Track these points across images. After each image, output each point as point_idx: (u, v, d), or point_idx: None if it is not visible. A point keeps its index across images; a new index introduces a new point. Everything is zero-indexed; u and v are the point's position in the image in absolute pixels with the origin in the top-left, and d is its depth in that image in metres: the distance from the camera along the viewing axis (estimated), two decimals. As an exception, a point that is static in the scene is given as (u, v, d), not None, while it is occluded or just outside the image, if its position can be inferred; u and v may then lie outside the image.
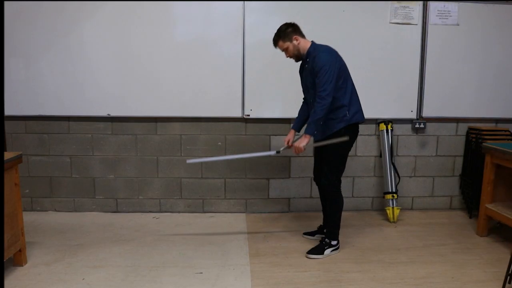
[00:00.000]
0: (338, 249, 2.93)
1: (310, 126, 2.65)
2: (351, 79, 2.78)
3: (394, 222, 3.53)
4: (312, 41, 2.78)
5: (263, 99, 3.56)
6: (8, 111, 3.44)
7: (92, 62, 3.45)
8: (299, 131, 3.01)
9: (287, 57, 2.84)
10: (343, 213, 3.74)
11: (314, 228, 3.24)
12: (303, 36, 2.78)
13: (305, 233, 3.20)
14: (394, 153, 3.72)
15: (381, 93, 3.60)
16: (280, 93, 3.55)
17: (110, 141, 3.63)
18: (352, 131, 2.77)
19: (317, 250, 2.88)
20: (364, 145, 3.75)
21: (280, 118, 3.63)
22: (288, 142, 2.96)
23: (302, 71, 2.88)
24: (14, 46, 3.39)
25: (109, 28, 3.41)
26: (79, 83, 3.47)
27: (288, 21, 3.43)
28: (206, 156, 3.65)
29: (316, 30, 3.48)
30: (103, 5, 3.37)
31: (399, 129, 3.72)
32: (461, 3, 3.52)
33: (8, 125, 3.56)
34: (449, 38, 3.56)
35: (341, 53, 3.49)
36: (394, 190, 3.58)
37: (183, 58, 3.47)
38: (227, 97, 3.54)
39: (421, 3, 3.51)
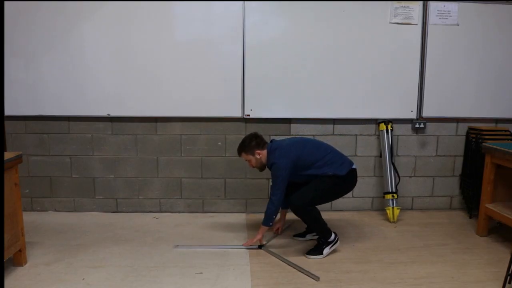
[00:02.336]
0: (338, 242, 2.92)
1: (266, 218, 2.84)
2: (316, 149, 2.86)
3: (394, 222, 3.53)
4: (267, 144, 2.89)
5: (263, 99, 3.56)
6: (8, 111, 3.45)
7: (92, 62, 3.45)
8: (287, 208, 3.17)
9: (251, 167, 2.98)
10: (343, 213, 3.76)
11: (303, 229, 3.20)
12: (264, 145, 2.88)
13: (295, 235, 3.18)
14: (394, 153, 3.72)
15: (381, 93, 3.60)
16: (280, 93, 3.55)
17: (110, 141, 3.63)
18: (339, 179, 2.83)
19: (316, 250, 2.87)
20: (364, 145, 3.75)
21: (280, 118, 3.63)
22: (277, 230, 3.21)
23: None
24: (14, 46, 3.39)
25: (109, 28, 3.41)
26: (79, 83, 3.47)
27: (288, 21, 3.47)
28: (206, 156, 3.66)
29: (316, 30, 3.50)
30: (103, 5, 3.37)
31: (399, 129, 3.72)
32: (461, 3, 3.52)
33: (8, 125, 3.56)
34: (449, 38, 3.56)
35: (341, 53, 3.52)
36: (394, 190, 3.58)
37: (183, 58, 3.47)
38: (227, 97, 3.54)
39: (421, 3, 3.51)
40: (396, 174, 3.62)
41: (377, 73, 3.57)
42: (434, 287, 2.48)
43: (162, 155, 3.67)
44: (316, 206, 2.83)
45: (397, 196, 3.60)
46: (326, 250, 2.86)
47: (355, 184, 2.99)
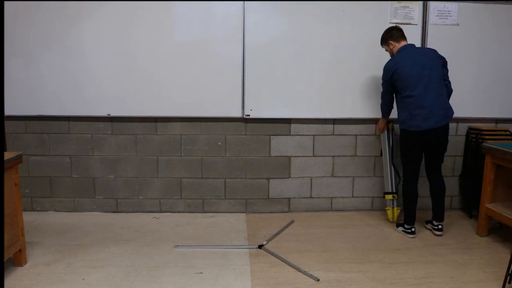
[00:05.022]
0: (411, 235, 3.21)
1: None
2: (413, 87, 2.98)
3: (394, 222, 3.53)
4: (404, 45, 3.10)
5: (263, 99, 3.56)
6: (8, 111, 3.45)
7: (92, 62, 3.45)
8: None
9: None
10: (343, 213, 3.76)
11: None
12: (399, 39, 3.11)
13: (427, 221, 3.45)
14: (395, 153, 3.71)
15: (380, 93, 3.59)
16: (280, 93, 3.55)
17: (110, 141, 3.63)
18: (404, 135, 3.15)
19: (399, 224, 3.37)
20: (364, 145, 3.75)
21: (280, 118, 3.63)
22: (380, 130, 3.59)
23: None
24: (14, 46, 3.39)
25: (109, 28, 3.41)
26: (79, 83, 3.47)
27: (288, 21, 3.47)
28: (206, 156, 3.66)
29: (316, 30, 3.50)
30: (103, 5, 3.38)
31: (399, 128, 3.71)
32: (461, 3, 3.52)
33: (8, 125, 3.57)
34: (449, 38, 3.56)
35: (341, 53, 3.54)
36: (394, 191, 3.57)
37: (183, 58, 3.47)
38: (227, 97, 3.54)
39: (421, 3, 3.51)
40: (396, 174, 3.62)
41: (377, 73, 3.57)
42: (434, 287, 2.48)
43: (162, 155, 3.67)
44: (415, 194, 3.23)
45: (397, 196, 3.59)
46: (399, 228, 3.33)
47: (418, 144, 3.11)
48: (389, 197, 3.56)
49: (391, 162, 3.60)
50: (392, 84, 3.10)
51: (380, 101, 3.37)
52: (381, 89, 3.62)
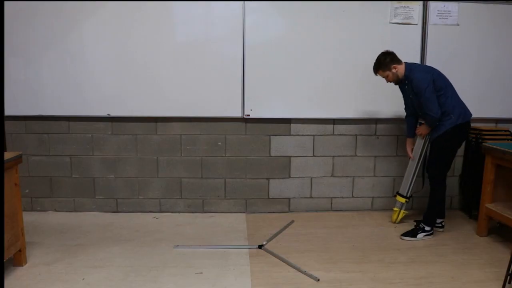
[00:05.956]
0: (432, 235, 3.20)
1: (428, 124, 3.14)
2: (450, 85, 3.06)
3: (394, 222, 3.51)
4: (404, 63, 3.08)
5: (263, 99, 3.56)
6: (8, 111, 3.45)
7: (92, 62, 3.45)
8: (414, 136, 3.36)
9: (388, 82, 3.15)
10: (343, 213, 3.75)
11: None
12: (399, 61, 3.07)
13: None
14: (395, 153, 3.70)
15: (381, 93, 3.59)
16: (280, 93, 3.56)
17: (110, 141, 3.63)
18: (459, 131, 3.08)
19: (411, 233, 3.18)
20: (364, 145, 3.75)
21: (280, 118, 3.63)
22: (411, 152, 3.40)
23: (402, 89, 3.23)
24: (14, 46, 3.39)
25: (108, 28, 3.41)
26: (79, 83, 3.47)
27: (288, 21, 3.47)
28: (206, 156, 3.67)
29: (316, 30, 3.51)
30: (103, 5, 3.37)
31: (399, 128, 3.72)
32: (461, 3, 3.52)
33: (8, 125, 3.56)
34: (449, 38, 3.56)
35: (341, 52, 3.54)
36: (409, 196, 3.44)
37: (183, 58, 3.47)
38: (227, 97, 3.54)
39: (421, 3, 3.51)
40: (421, 181, 3.45)
41: (377, 73, 3.57)
42: (434, 287, 2.48)
43: (162, 155, 3.67)
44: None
45: (408, 201, 3.47)
46: (420, 235, 3.17)
47: (464, 138, 3.21)
48: (402, 200, 3.44)
49: (418, 168, 3.40)
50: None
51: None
52: (381, 89, 3.62)
